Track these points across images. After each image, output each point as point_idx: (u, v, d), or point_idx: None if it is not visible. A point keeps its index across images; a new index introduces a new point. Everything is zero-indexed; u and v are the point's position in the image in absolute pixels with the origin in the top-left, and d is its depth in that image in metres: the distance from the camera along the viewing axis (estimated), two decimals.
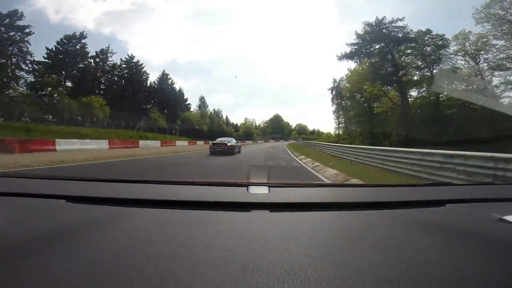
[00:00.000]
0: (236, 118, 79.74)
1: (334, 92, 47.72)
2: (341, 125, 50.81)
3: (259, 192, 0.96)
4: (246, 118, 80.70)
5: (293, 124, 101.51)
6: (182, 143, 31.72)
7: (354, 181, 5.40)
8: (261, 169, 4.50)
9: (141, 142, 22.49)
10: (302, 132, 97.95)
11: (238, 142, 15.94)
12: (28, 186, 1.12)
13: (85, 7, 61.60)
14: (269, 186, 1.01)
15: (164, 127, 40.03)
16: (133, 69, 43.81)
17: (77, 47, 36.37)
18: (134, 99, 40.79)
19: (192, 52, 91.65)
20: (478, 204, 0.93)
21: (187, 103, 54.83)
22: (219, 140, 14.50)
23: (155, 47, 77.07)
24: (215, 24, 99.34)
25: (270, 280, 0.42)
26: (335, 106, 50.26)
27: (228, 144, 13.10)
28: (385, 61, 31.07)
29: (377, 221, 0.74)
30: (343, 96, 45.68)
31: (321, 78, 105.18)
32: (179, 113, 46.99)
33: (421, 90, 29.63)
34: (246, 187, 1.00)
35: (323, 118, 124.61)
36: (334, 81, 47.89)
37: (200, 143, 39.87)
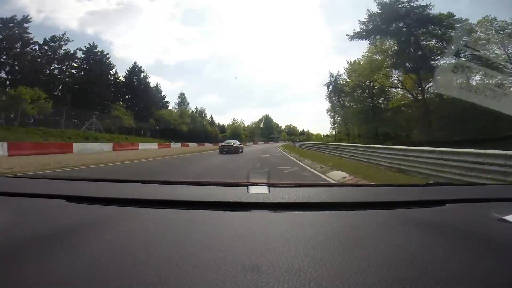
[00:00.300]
0: (226, 120, 75.04)
1: (330, 88, 42.84)
2: (336, 125, 46.06)
3: (259, 192, 0.96)
4: (234, 119, 74.67)
5: (282, 125, 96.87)
6: (149, 146, 25.02)
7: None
8: (261, 169, 5.18)
9: (77, 146, 15.75)
10: (292, 133, 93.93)
11: (241, 144, 19.00)
12: (29, 186, 1.13)
13: (68, 6, 57.51)
14: (269, 186, 1.00)
15: (131, 127, 32.97)
16: (94, 59, 36.54)
17: (16, 32, 28.80)
18: (93, 94, 33.49)
19: (181, 53, 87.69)
20: (478, 204, 0.93)
21: (165, 100, 47.96)
22: (226, 142, 17.48)
23: (141, 48, 73.54)
24: (203, 25, 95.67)
25: (270, 280, 0.41)
26: (330, 104, 45.54)
27: (233, 145, 15.76)
28: (407, 44, 25.14)
29: (377, 221, 0.73)
30: (342, 92, 40.93)
31: (312, 78, 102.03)
32: (153, 111, 39.94)
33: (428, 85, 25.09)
34: (246, 187, 0.99)
35: (312, 120, 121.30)
36: (331, 75, 42.86)
37: (176, 145, 33.17)
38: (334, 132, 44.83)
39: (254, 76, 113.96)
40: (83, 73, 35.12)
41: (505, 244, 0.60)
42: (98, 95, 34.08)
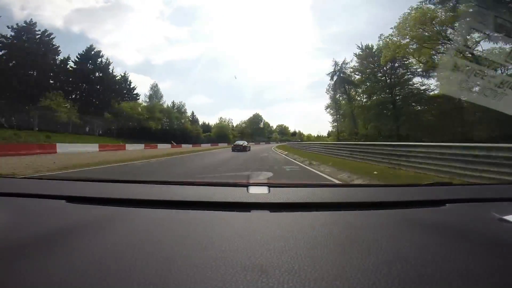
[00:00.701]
0: (215, 121, 68.57)
1: (335, 78, 35.66)
2: (337, 123, 39.12)
3: (259, 192, 0.94)
4: (221, 118, 66.44)
5: (273, 125, 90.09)
6: (82, 149, 16.55)
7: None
8: (261, 170, 5.21)
9: None
10: (283, 133, 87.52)
11: (248, 144, 23.37)
12: (29, 187, 1.12)
13: (53, 3, 54.27)
14: (269, 186, 0.99)
15: (69, 121, 24.08)
16: (30, 40, 27.41)
17: None
18: (21, 80, 24.33)
19: (169, 52, 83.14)
20: (478, 204, 0.93)
21: (134, 93, 39.09)
22: (237, 142, 21.64)
23: (129, 47, 70.84)
24: (193, 24, 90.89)
25: (270, 280, 0.41)
26: (331, 99, 38.63)
27: (243, 145, 19.93)
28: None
29: (377, 221, 0.73)
30: (349, 83, 33.95)
31: (301, 80, 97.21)
32: (112, 103, 31.06)
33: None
34: (246, 187, 0.98)
35: (302, 121, 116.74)
36: (336, 64, 35.47)
37: (136, 147, 24.87)
38: (337, 130, 37.64)
39: (245, 77, 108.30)
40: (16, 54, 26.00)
41: (505, 244, 0.60)
42: (30, 82, 25.04)
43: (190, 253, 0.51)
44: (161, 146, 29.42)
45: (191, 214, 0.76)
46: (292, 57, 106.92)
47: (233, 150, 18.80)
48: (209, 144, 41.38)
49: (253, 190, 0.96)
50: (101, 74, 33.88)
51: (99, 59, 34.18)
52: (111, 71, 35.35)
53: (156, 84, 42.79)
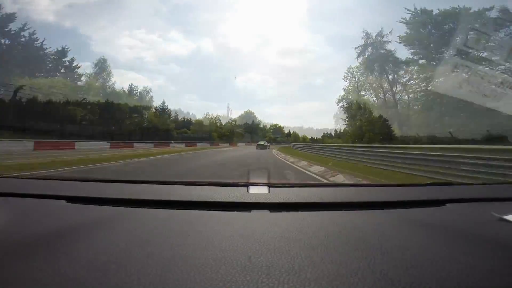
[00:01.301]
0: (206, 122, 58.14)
1: (367, 53, 24.96)
2: (349, 122, 28.79)
3: (259, 192, 0.95)
4: (207, 113, 54.78)
5: (267, 124, 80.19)
6: None
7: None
8: (261, 169, 4.59)
9: None
10: (278, 134, 77.33)
11: (268, 143, 29.89)
12: (29, 187, 1.12)
13: None
14: (269, 186, 0.99)
15: None
16: None
17: None
18: None
19: (163, 50, 77.65)
20: (478, 203, 0.93)
21: (76, 71, 26.92)
22: (259, 142, 27.53)
23: (122, 43, 65.03)
24: (188, 23, 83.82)
25: (270, 280, 0.42)
26: (346, 89, 28.20)
27: (264, 144, 26.30)
28: None
29: (377, 221, 0.73)
30: (388, 61, 23.58)
31: (296, 80, 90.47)
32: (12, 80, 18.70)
33: None
34: (246, 187, 0.98)
35: (294, 121, 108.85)
36: (367, 35, 24.96)
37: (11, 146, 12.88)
38: (359, 130, 26.99)
39: (240, 77, 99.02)
40: None
41: (505, 244, 0.60)
42: None
43: (190, 253, 0.51)
44: (90, 145, 17.42)
45: (191, 214, 0.76)
46: (285, 58, 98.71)
47: (257, 148, 23.82)
48: (184, 144, 29.76)
49: (253, 190, 0.96)
50: (8, 42, 21.57)
51: (9, 25, 22.07)
52: (40, 42, 23.27)
53: (105, 59, 30.37)
